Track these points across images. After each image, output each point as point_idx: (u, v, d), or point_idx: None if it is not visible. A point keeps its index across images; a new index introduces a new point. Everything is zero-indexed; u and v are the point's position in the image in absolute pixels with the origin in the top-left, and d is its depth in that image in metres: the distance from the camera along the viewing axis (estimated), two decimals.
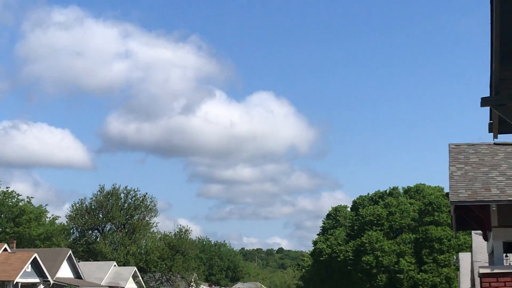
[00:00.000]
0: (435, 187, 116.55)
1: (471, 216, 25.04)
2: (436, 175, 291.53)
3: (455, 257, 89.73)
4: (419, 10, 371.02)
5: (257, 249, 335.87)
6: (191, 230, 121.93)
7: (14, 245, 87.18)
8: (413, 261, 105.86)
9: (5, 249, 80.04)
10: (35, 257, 78.72)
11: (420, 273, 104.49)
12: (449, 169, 24.52)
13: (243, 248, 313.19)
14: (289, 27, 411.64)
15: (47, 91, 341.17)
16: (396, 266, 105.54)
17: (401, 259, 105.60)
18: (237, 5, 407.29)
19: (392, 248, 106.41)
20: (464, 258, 73.73)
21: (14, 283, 75.53)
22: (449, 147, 26.19)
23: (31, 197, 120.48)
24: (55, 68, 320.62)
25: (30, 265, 78.21)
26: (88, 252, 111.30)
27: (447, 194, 23.21)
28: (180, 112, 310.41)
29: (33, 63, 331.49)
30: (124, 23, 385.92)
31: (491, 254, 25.15)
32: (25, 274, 76.97)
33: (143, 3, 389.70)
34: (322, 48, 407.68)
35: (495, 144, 25.96)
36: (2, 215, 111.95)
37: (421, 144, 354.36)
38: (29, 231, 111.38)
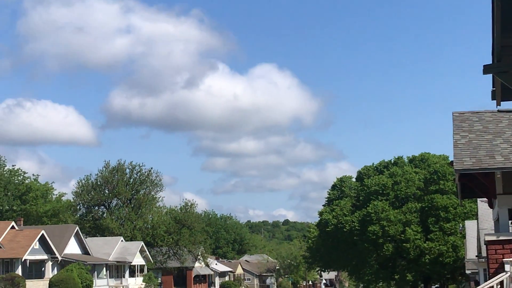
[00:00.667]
0: (439, 155, 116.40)
1: (476, 184, 25.08)
2: (440, 143, 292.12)
3: (461, 225, 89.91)
4: None
5: (263, 222, 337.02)
6: (197, 204, 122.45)
7: (22, 222, 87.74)
8: (419, 230, 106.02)
9: (13, 227, 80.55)
10: (42, 234, 79.19)
11: (427, 242, 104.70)
12: (453, 137, 24.52)
13: (249, 221, 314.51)
14: (289, 0, 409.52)
15: (49, 68, 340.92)
16: (402, 235, 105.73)
17: (407, 228, 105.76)
18: None
19: (398, 217, 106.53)
20: (470, 226, 73.92)
21: (23, 260, 76.07)
22: (452, 115, 26.17)
23: (37, 175, 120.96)
24: (57, 45, 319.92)
25: (37, 242, 78.69)
26: (95, 228, 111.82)
27: (452, 162, 23.24)
28: (183, 86, 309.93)
29: (35, 40, 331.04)
30: None
31: (496, 221, 25.22)
32: (33, 251, 77.46)
33: None
34: (323, 18, 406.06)
35: (498, 111, 25.93)
36: (9, 193, 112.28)
37: (425, 113, 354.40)
38: (36, 208, 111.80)
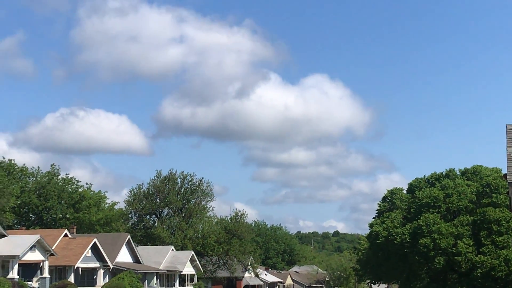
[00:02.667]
0: (492, 168, 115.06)
1: None
2: (493, 156, 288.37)
3: None
4: None
5: (313, 233, 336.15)
6: (247, 214, 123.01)
7: (75, 230, 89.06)
8: (471, 243, 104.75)
9: (66, 235, 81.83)
10: (94, 242, 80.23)
11: (479, 255, 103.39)
12: (507, 150, 24.42)
13: (299, 232, 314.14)
14: (343, 9, 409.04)
15: (103, 77, 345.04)
16: (454, 248, 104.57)
17: (458, 241, 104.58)
18: None
19: (450, 230, 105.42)
20: None
21: (75, 267, 77.17)
22: (506, 127, 26.04)
23: (91, 184, 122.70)
24: (110, 54, 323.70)
25: (90, 250, 79.75)
26: (146, 236, 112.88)
27: (505, 175, 23.16)
28: (234, 96, 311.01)
29: (89, 49, 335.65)
30: (179, 8, 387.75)
31: None
32: (85, 259, 78.54)
33: None
34: (376, 29, 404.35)
35: None
36: (63, 201, 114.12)
37: (478, 125, 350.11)
38: (89, 217, 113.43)
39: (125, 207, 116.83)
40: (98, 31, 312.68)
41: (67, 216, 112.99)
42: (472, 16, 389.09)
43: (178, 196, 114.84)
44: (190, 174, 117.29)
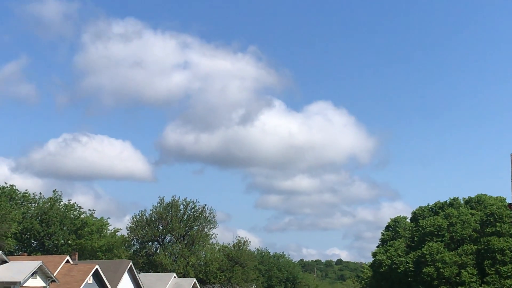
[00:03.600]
0: (496, 197, 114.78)
1: None
2: (497, 185, 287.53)
3: None
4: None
5: (316, 261, 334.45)
6: (250, 241, 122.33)
7: (76, 257, 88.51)
8: (475, 273, 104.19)
9: (68, 261, 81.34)
10: (96, 269, 79.79)
11: (483, 285, 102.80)
12: (511, 179, 24.24)
13: (302, 260, 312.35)
14: (346, 37, 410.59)
15: (106, 103, 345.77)
16: (458, 277, 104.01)
17: (462, 270, 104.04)
18: (295, 16, 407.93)
19: (454, 259, 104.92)
20: None
21: None
22: (511, 156, 25.92)
23: (93, 210, 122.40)
24: (114, 80, 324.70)
25: (92, 277, 79.28)
26: (148, 263, 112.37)
27: (510, 204, 22.97)
28: (238, 122, 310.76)
29: (92, 75, 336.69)
30: (183, 34, 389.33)
31: None
32: (87, 286, 78.04)
33: (201, 14, 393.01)
34: (381, 58, 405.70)
35: None
36: (65, 228, 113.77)
37: (482, 154, 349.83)
38: (91, 243, 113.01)
39: (127, 233, 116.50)
40: (101, 57, 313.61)
41: (69, 242, 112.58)
42: (477, 51, 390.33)
43: (181, 223, 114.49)
44: (193, 201, 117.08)
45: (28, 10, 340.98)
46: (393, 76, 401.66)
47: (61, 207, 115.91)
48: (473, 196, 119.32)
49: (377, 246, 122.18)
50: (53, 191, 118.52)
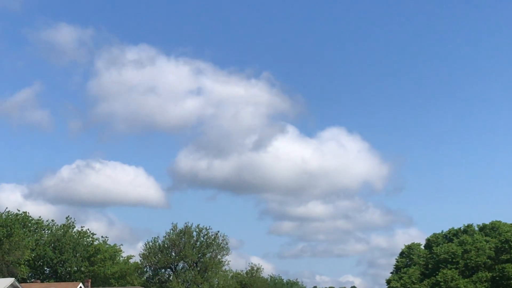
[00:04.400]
0: (511, 224, 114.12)
1: None
2: None
3: None
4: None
5: None
6: (263, 268, 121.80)
7: (89, 284, 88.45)
8: None
9: None
10: None
11: None
12: None
13: (315, 287, 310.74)
14: (360, 64, 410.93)
15: (119, 129, 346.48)
16: None
17: None
18: (308, 42, 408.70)
19: (468, 286, 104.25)
20: None
21: None
22: None
23: (106, 237, 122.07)
24: (127, 106, 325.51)
25: None
26: None
27: None
28: (251, 148, 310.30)
29: (106, 101, 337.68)
30: (197, 60, 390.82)
31: None
32: None
33: (215, 40, 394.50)
34: (395, 83, 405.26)
35: None
36: (78, 254, 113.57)
37: (496, 180, 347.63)
38: (104, 270, 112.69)
39: (140, 260, 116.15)
40: (115, 83, 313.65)
41: (82, 269, 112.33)
42: (494, 78, 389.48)
43: (194, 249, 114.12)
44: (205, 228, 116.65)
45: (42, 37, 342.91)
46: (407, 103, 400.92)
47: (74, 234, 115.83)
48: (487, 222, 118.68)
49: (391, 273, 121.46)
50: (66, 218, 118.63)
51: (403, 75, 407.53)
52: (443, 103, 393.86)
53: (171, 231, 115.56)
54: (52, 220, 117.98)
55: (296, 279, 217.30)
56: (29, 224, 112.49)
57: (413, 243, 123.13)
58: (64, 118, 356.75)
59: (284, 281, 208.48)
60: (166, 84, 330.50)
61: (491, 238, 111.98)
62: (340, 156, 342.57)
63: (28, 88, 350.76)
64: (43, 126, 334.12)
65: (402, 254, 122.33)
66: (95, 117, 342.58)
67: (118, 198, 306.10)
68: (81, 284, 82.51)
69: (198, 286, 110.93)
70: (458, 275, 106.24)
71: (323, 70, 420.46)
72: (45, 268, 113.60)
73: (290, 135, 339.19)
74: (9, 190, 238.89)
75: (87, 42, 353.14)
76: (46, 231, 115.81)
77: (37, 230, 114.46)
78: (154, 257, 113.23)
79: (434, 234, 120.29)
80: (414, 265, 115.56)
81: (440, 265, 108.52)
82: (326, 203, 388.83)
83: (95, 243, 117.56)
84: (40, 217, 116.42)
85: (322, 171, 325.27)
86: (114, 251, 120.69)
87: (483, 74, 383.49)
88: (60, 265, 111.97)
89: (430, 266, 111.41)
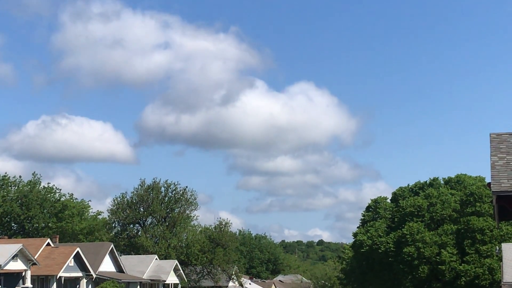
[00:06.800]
0: (476, 177, 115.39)
1: None
2: (477, 165, 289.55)
3: (497, 248, 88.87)
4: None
5: (298, 242, 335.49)
6: (231, 223, 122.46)
7: (57, 240, 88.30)
8: (455, 252, 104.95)
9: (48, 244, 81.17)
10: (77, 252, 79.68)
11: (462, 264, 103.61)
12: (491, 159, 24.23)
13: (283, 241, 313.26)
14: (328, 18, 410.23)
15: (85, 83, 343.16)
16: (438, 257, 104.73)
17: (442, 250, 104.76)
18: None
19: (434, 239, 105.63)
20: (507, 248, 72.99)
21: (57, 277, 76.57)
22: (490, 136, 25.87)
23: (71, 194, 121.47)
24: (93, 60, 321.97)
25: (73, 260, 79.18)
26: (129, 245, 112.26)
27: (489, 184, 22.97)
28: (220, 103, 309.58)
29: (71, 55, 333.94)
30: (164, 14, 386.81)
31: None
32: (68, 269, 77.96)
33: None
34: (363, 37, 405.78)
35: None
36: (45, 211, 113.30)
37: (461, 134, 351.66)
38: (72, 226, 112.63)
39: (108, 216, 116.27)
40: (80, 36, 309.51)
41: (50, 225, 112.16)
42: (457, 38, 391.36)
43: (162, 205, 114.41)
44: (174, 183, 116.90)
45: None
46: (376, 57, 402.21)
47: (41, 190, 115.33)
48: (452, 176, 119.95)
49: (358, 227, 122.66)
50: (33, 174, 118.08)
51: (372, 30, 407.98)
52: (411, 58, 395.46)
53: (139, 187, 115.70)
54: (20, 177, 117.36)
55: (265, 233, 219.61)
56: None
57: (379, 197, 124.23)
58: (28, 72, 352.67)
59: (253, 235, 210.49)
60: (133, 38, 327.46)
61: (457, 191, 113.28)
62: (309, 110, 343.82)
63: None
64: (7, 81, 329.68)
65: (368, 208, 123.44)
66: (60, 72, 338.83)
67: (85, 153, 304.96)
68: (49, 240, 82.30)
69: (167, 241, 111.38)
70: (424, 228, 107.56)
71: (291, 25, 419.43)
72: (13, 225, 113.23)
73: (259, 90, 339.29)
74: None
75: None
76: (13, 188, 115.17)
77: (3, 187, 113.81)
78: (123, 213, 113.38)
79: (400, 187, 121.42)
80: (381, 219, 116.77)
81: (406, 218, 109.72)
82: (294, 158, 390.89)
83: (62, 199, 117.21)
84: (6, 173, 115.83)
85: (291, 126, 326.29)
86: (82, 207, 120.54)
87: (449, 31, 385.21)
88: (28, 221, 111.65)
89: (396, 219, 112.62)
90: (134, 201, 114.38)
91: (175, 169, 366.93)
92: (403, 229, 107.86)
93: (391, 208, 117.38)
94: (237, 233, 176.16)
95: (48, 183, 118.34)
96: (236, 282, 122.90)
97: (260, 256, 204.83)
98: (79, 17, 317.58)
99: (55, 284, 76.41)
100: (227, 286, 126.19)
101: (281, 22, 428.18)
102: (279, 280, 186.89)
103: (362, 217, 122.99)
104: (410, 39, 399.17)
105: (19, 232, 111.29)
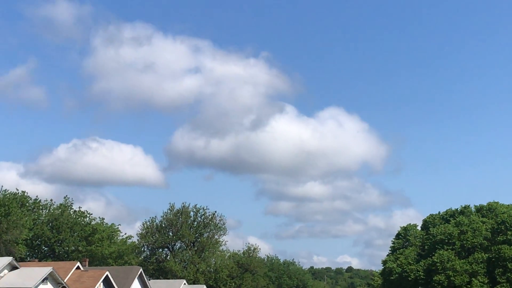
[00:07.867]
0: (508, 205, 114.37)
1: None
2: (509, 193, 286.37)
3: None
4: None
5: (326, 268, 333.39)
6: (260, 249, 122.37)
7: (87, 263, 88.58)
8: (486, 281, 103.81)
9: (78, 267, 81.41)
10: (107, 275, 79.82)
11: None
12: None
13: (312, 267, 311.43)
14: (359, 43, 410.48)
15: (115, 107, 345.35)
16: (469, 286, 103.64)
17: (473, 279, 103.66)
18: (308, 22, 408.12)
19: (464, 267, 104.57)
20: None
21: None
22: None
23: (103, 218, 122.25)
24: (124, 84, 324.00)
25: (102, 283, 79.30)
26: (158, 270, 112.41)
27: None
28: (249, 128, 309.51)
29: (102, 79, 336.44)
30: (195, 39, 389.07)
31: None
32: None
33: (214, 19, 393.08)
34: (394, 63, 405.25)
35: None
36: (75, 234, 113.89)
37: (494, 162, 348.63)
38: (101, 250, 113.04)
39: (137, 240, 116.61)
40: (111, 61, 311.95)
41: (80, 248, 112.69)
42: (493, 56, 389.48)
43: (191, 229, 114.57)
44: (203, 208, 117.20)
45: (39, 13, 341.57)
46: (406, 83, 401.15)
47: (71, 213, 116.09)
48: (484, 204, 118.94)
49: (387, 254, 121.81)
50: (64, 198, 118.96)
51: (402, 56, 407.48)
52: (442, 85, 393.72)
53: (169, 211, 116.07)
54: (51, 200, 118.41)
55: (293, 259, 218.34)
56: (27, 204, 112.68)
57: (409, 224, 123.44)
58: (59, 96, 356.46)
59: (281, 261, 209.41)
60: (164, 62, 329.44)
61: (488, 219, 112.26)
62: (339, 136, 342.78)
63: (23, 66, 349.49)
64: (39, 104, 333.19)
65: (398, 235, 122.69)
66: (91, 96, 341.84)
67: (115, 177, 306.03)
68: (78, 263, 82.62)
69: (195, 266, 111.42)
70: (454, 256, 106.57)
71: (322, 50, 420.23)
72: (43, 247, 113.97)
73: (289, 114, 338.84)
74: (5, 169, 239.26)
75: (84, 19, 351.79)
76: (44, 211, 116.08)
77: (35, 210, 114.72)
78: (152, 237, 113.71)
79: (431, 215, 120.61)
80: (411, 246, 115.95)
81: (436, 246, 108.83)
82: (324, 184, 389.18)
83: (92, 223, 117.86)
84: (37, 196, 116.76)
85: (321, 151, 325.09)
86: (112, 231, 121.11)
87: (481, 52, 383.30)
88: (58, 244, 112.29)
89: (426, 247, 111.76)
90: (163, 225, 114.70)
91: (204, 193, 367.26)
92: (433, 257, 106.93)
93: (421, 236, 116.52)
94: (266, 259, 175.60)
95: (79, 207, 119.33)
96: None
97: (288, 282, 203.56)
98: (110, 41, 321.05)
99: None
100: None
101: (312, 48, 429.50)
102: None
103: (392, 244, 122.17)
104: (438, 66, 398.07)
105: (49, 255, 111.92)
